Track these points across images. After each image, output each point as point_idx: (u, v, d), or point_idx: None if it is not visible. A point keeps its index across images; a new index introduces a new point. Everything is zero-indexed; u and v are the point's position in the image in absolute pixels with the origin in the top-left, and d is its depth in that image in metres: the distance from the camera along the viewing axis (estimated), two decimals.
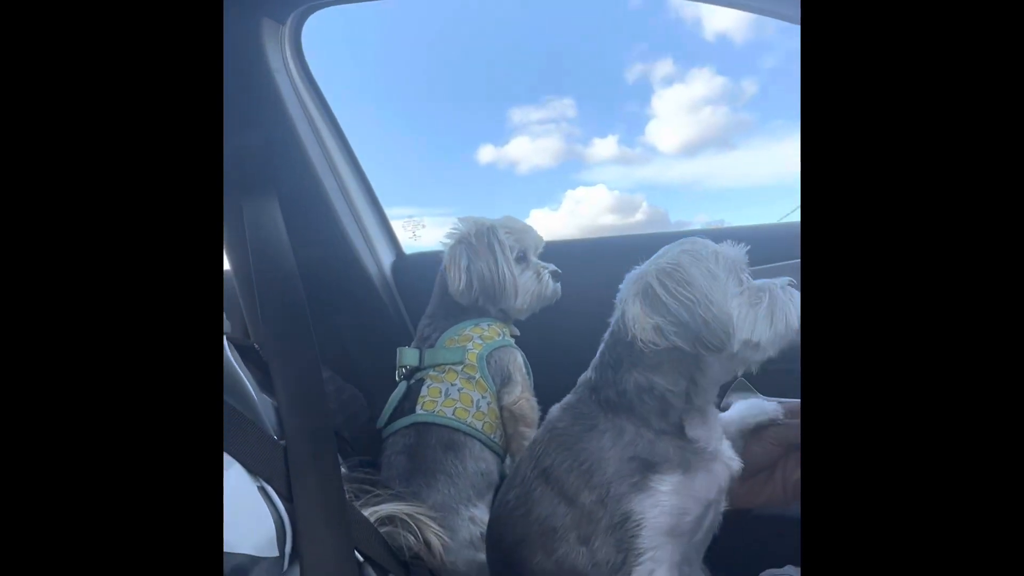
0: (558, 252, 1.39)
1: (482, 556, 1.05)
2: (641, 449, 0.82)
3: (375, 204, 1.64)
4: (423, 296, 1.45)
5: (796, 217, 1.48)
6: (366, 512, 0.94)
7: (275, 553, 0.78)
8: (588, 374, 0.90)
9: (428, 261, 1.63)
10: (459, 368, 1.19)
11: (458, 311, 1.27)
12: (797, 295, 0.85)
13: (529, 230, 1.31)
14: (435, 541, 0.95)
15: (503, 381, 1.21)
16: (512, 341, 1.27)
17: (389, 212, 1.67)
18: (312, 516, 0.83)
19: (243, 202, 1.20)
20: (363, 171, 1.62)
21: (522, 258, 1.28)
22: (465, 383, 1.18)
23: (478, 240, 1.24)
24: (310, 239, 1.44)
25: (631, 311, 0.82)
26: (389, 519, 0.96)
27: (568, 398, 0.92)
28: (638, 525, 0.80)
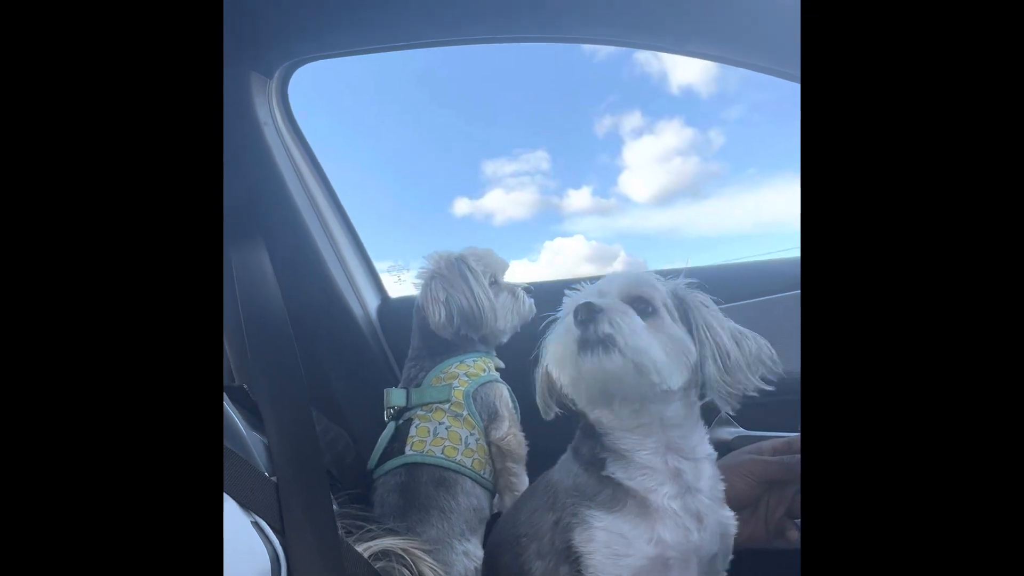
0: (539, 290, 1.43)
1: None
2: (580, 481, 0.85)
3: (361, 250, 1.68)
4: (408, 338, 1.48)
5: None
6: (360, 547, 0.95)
7: None
8: None
9: (411, 306, 1.66)
10: (446, 406, 1.21)
11: (442, 348, 1.29)
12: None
13: (492, 254, 1.35)
14: (430, 574, 0.96)
15: (490, 417, 1.23)
16: (498, 375, 1.29)
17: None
18: (305, 549, 0.84)
19: (230, 250, 1.23)
20: (349, 219, 1.67)
21: (493, 282, 1.32)
22: (453, 421, 1.20)
23: (450, 271, 1.28)
24: (298, 284, 1.47)
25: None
26: (384, 554, 0.97)
27: None
28: (578, 559, 0.81)
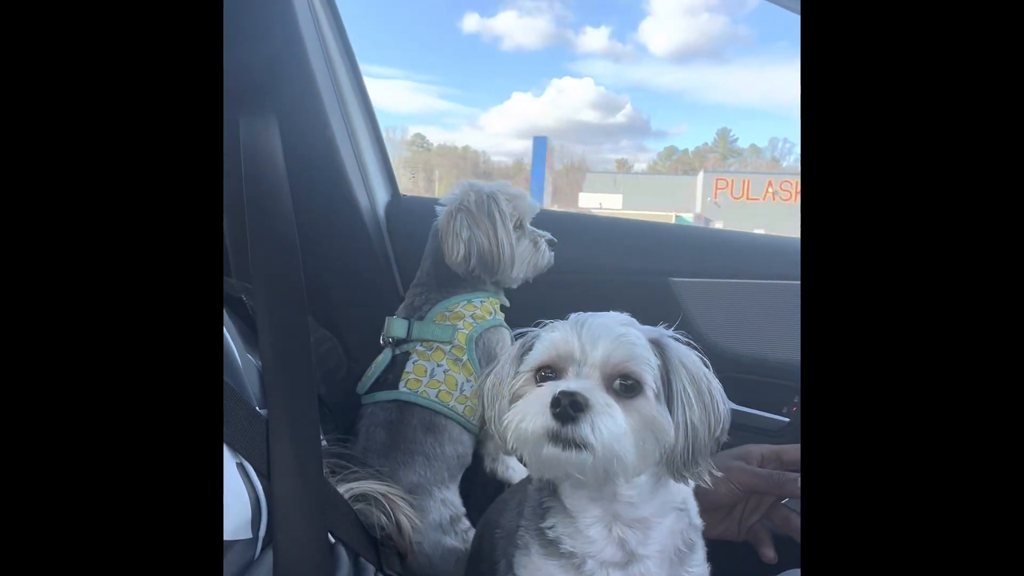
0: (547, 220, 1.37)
1: (449, 540, 1.09)
2: (530, 509, 0.84)
3: (377, 137, 1.56)
4: (416, 247, 1.40)
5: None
6: (341, 488, 0.95)
7: (248, 535, 0.79)
8: None
9: (425, 208, 1.57)
10: (447, 348, 1.18)
11: (450, 281, 1.24)
12: None
13: (524, 196, 1.27)
14: (406, 523, 0.97)
15: (489, 364, 1.20)
16: (502, 319, 1.26)
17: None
18: (289, 495, 0.83)
19: (241, 124, 1.12)
20: (370, 102, 1.53)
21: (518, 226, 1.25)
22: (452, 364, 1.17)
23: (478, 209, 1.20)
24: (305, 167, 1.36)
25: None
26: (363, 496, 0.97)
27: None
28: None
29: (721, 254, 1.42)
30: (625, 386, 0.71)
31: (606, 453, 0.67)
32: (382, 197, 1.54)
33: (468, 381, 1.18)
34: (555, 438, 0.67)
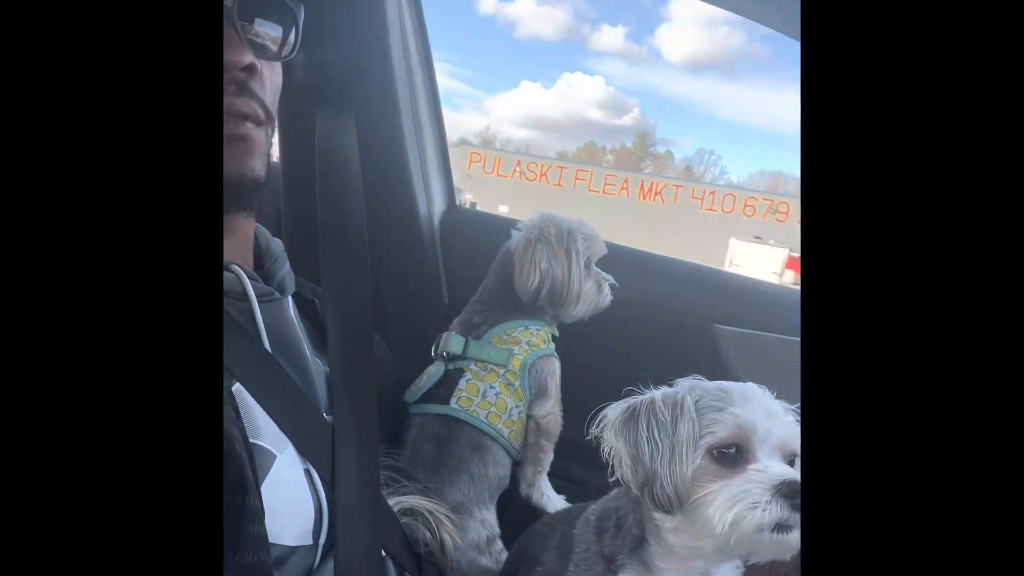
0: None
1: (484, 560, 1.11)
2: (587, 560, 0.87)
3: (443, 146, 1.57)
4: (466, 260, 1.41)
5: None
6: (391, 501, 0.96)
7: (310, 542, 0.80)
8: None
9: (476, 222, 1.58)
10: (501, 372, 1.19)
11: (512, 304, 1.26)
12: None
13: (599, 238, 1.30)
14: (449, 541, 0.99)
15: (539, 392, 1.22)
16: (553, 348, 1.28)
17: None
18: (351, 508, 0.84)
19: (319, 122, 1.13)
20: (440, 109, 1.54)
21: (587, 265, 1.27)
22: (504, 388, 1.19)
23: (558, 242, 1.22)
24: (373, 169, 1.37)
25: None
26: (411, 511, 0.99)
27: None
28: None
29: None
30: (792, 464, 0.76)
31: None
32: (440, 205, 1.56)
33: (517, 406, 1.20)
34: (783, 526, 0.71)
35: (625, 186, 26.06)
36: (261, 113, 0.82)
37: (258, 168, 0.83)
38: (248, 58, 0.78)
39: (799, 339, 1.39)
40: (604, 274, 1.29)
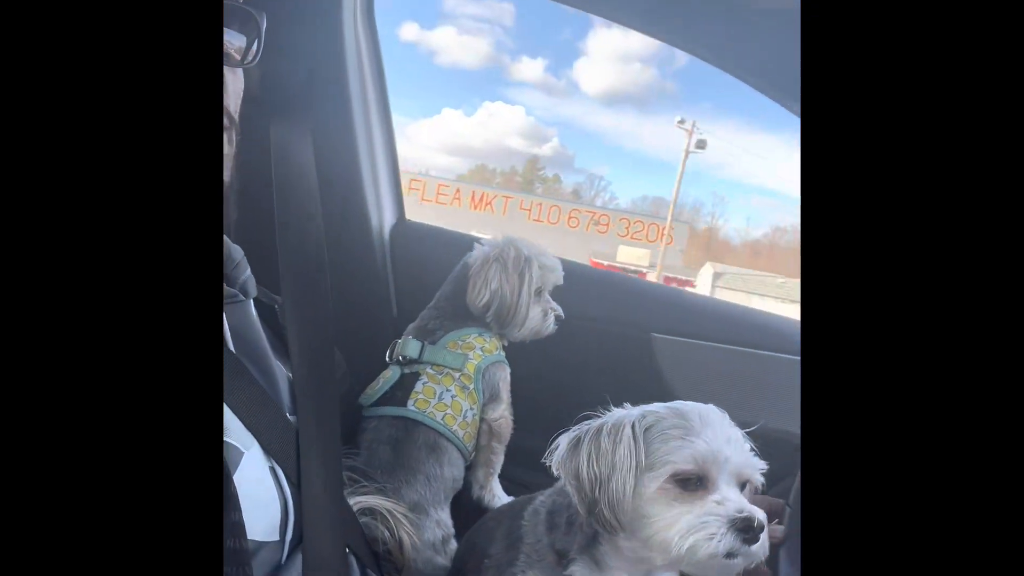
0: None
1: (439, 559, 1.13)
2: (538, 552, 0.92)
3: (393, 159, 1.60)
4: (414, 270, 1.44)
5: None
6: (351, 500, 0.98)
7: (276, 538, 0.81)
8: None
9: (425, 236, 1.62)
10: (456, 375, 1.23)
11: (466, 313, 1.30)
12: None
13: (556, 269, 1.35)
14: (407, 540, 1.01)
15: (491, 396, 1.26)
16: (504, 356, 1.32)
17: None
18: (315, 506, 0.86)
19: (277, 136, 1.15)
20: (391, 123, 1.58)
21: (538, 292, 1.32)
22: (459, 391, 1.22)
23: (514, 266, 1.27)
24: (327, 182, 1.39)
25: None
26: (370, 510, 1.00)
27: None
28: None
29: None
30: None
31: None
32: (390, 218, 1.58)
33: (471, 409, 1.23)
34: (732, 554, 0.76)
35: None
36: (225, 119, 0.84)
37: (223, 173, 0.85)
38: None
39: (737, 348, 1.44)
40: (554, 304, 1.34)
